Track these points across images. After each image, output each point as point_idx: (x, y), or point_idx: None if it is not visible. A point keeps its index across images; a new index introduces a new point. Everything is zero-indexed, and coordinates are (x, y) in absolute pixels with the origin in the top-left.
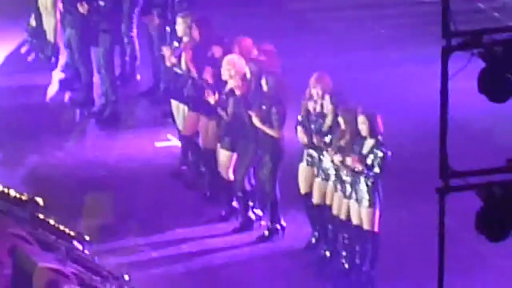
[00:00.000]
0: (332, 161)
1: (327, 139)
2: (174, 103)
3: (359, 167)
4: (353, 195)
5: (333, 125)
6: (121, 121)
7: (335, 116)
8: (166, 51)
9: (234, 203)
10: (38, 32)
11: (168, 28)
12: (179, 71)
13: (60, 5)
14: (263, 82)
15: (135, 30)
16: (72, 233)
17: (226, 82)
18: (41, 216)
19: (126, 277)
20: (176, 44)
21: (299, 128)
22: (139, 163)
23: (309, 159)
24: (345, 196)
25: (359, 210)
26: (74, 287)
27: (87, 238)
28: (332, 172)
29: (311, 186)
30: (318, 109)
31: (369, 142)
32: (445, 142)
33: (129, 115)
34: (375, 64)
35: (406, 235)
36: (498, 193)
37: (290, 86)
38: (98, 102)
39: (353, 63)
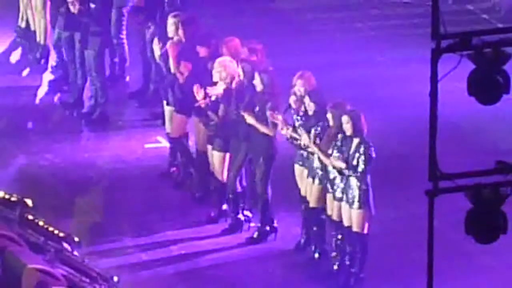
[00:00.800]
0: (320, 161)
1: (313, 136)
2: (164, 103)
3: (341, 165)
4: (344, 197)
5: (319, 122)
6: (110, 122)
7: (320, 113)
8: (156, 46)
9: (224, 205)
10: (28, 33)
11: (155, 29)
12: (167, 72)
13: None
14: (257, 80)
15: (124, 32)
16: (62, 234)
17: (215, 83)
18: (30, 217)
19: (116, 279)
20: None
21: (284, 126)
22: (128, 164)
23: (301, 159)
24: (335, 198)
25: (349, 211)
26: None
27: (76, 239)
28: (319, 172)
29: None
30: (301, 107)
31: (354, 142)
32: (434, 144)
33: (118, 116)
34: (365, 65)
35: (395, 236)
36: (487, 195)
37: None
38: (88, 104)
39: (342, 64)
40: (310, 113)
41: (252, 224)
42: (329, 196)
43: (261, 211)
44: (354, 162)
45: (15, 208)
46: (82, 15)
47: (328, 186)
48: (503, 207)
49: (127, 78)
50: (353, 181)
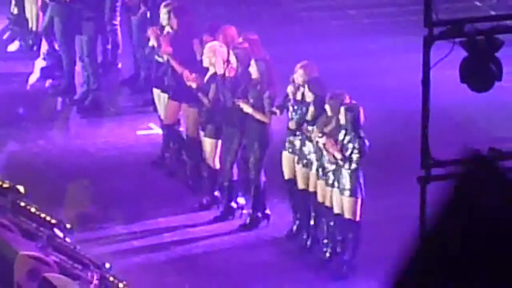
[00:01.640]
0: (317, 145)
1: (310, 127)
2: (156, 91)
3: (337, 155)
4: (336, 183)
5: (317, 112)
6: (102, 109)
7: (319, 103)
8: (151, 33)
9: (216, 192)
10: (20, 20)
11: (149, 15)
12: (159, 59)
13: None
14: (253, 68)
15: (118, 18)
16: (54, 221)
17: (207, 69)
18: (22, 204)
19: (108, 266)
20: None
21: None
22: (120, 151)
23: (290, 147)
24: (327, 184)
25: (341, 199)
26: (55, 275)
27: (68, 226)
28: (314, 158)
29: (294, 173)
30: (299, 96)
31: (350, 133)
32: (426, 132)
33: (110, 103)
34: (358, 53)
35: (387, 224)
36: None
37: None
38: (80, 90)
39: (335, 52)
40: (308, 101)
41: (244, 211)
42: (320, 183)
43: (254, 197)
44: (348, 153)
45: (7, 194)
46: (74, 1)
47: (321, 173)
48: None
49: (120, 65)
50: (346, 169)
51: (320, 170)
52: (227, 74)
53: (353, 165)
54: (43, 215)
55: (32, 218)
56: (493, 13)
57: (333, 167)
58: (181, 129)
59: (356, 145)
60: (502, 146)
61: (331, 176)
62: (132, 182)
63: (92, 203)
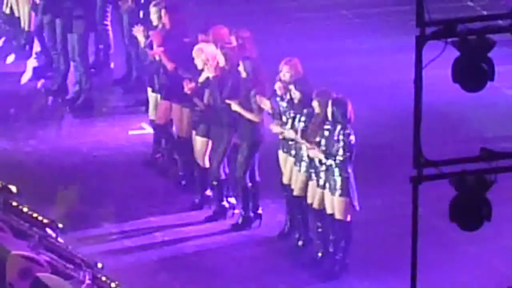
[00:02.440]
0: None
1: (297, 124)
2: (149, 91)
3: (319, 156)
4: (327, 184)
5: (304, 110)
6: (95, 109)
7: (306, 101)
8: (137, 31)
9: (208, 192)
10: (12, 20)
11: (141, 15)
12: (151, 58)
13: None
14: (241, 67)
15: (109, 18)
16: (46, 221)
17: (201, 71)
18: (14, 203)
19: (100, 265)
20: (150, 32)
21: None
22: (112, 151)
23: (285, 147)
24: (318, 185)
25: (332, 199)
26: (47, 275)
27: (60, 225)
28: (306, 159)
29: (291, 177)
30: (287, 94)
31: (336, 127)
32: (419, 131)
33: (103, 103)
34: (350, 52)
35: (379, 223)
36: (472, 182)
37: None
38: (72, 90)
39: (327, 52)
40: (296, 101)
41: (236, 211)
42: (311, 184)
43: (242, 197)
44: (334, 149)
45: None
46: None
47: (313, 174)
48: (487, 194)
49: (112, 65)
50: (335, 169)
51: (312, 172)
52: (215, 74)
53: (339, 159)
54: (35, 215)
55: (24, 218)
56: (485, 13)
57: (323, 167)
58: (173, 129)
59: (341, 139)
60: (494, 146)
61: (322, 177)
62: (124, 182)
63: (84, 203)
